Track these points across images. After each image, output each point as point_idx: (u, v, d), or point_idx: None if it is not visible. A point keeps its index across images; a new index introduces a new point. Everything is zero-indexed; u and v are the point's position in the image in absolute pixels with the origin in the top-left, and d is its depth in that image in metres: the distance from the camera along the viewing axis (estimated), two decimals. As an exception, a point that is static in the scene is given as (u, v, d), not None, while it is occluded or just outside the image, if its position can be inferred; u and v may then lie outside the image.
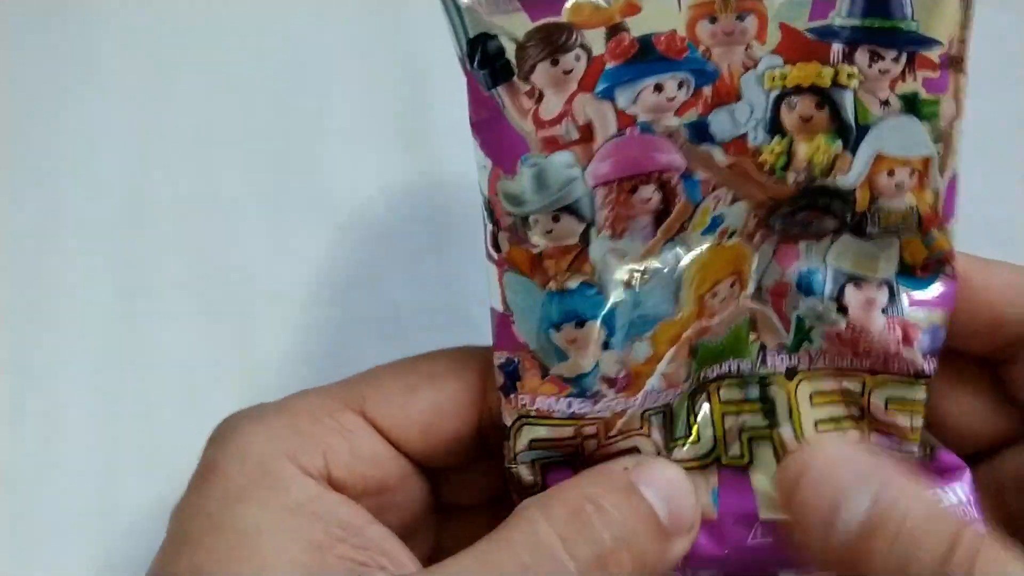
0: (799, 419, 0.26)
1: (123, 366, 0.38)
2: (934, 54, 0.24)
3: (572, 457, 0.26)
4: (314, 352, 0.38)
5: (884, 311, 0.25)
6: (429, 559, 0.25)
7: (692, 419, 0.26)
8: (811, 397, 0.26)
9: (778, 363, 0.26)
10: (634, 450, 0.26)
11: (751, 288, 0.25)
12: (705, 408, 0.26)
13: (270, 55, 0.40)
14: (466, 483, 0.29)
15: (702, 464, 0.26)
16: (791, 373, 0.26)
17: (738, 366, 0.26)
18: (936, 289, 0.26)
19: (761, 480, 0.26)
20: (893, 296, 0.26)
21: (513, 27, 0.24)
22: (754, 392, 0.26)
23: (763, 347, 0.26)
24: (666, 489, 0.24)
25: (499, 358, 0.26)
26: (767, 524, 0.26)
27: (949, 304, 0.26)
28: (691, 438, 0.26)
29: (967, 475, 0.27)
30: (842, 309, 0.25)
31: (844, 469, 0.23)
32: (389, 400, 0.26)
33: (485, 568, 0.22)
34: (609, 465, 0.25)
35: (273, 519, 0.24)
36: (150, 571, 0.25)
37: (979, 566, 0.21)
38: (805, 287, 0.25)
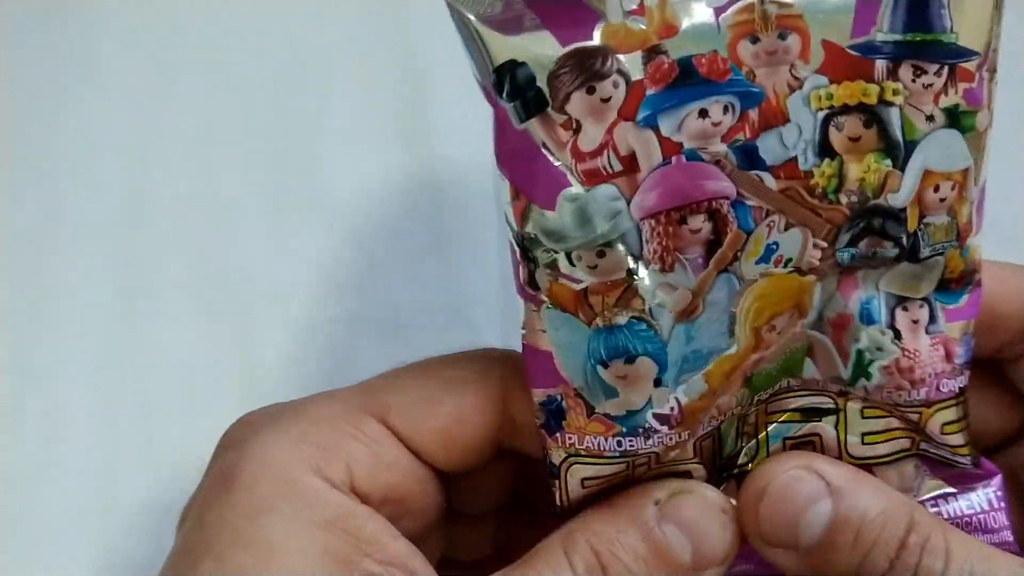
0: (844, 426, 0.26)
1: (123, 366, 0.37)
2: (971, 65, 0.23)
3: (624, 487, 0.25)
4: (314, 352, 0.38)
5: (927, 331, 0.25)
6: (439, 565, 0.26)
7: (741, 436, 0.26)
8: (862, 411, 0.26)
9: (831, 387, 0.26)
10: (686, 474, 0.25)
11: (811, 317, 0.25)
12: (752, 422, 0.26)
13: (270, 55, 0.40)
14: (479, 487, 0.29)
15: (743, 471, 0.26)
16: (843, 395, 0.26)
17: (789, 383, 0.26)
18: (967, 299, 0.25)
19: None
20: (933, 314, 0.25)
21: (542, 52, 0.22)
22: (799, 403, 0.26)
23: (819, 372, 0.25)
24: (695, 525, 0.24)
25: (539, 395, 0.25)
26: None
27: (976, 312, 0.26)
28: (736, 449, 0.26)
29: (998, 479, 0.27)
30: (897, 335, 0.25)
31: (801, 483, 0.24)
32: (411, 408, 0.26)
33: None
34: (640, 499, 0.25)
35: (300, 533, 0.24)
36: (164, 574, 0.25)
37: (927, 553, 0.23)
38: (866, 317, 0.25)
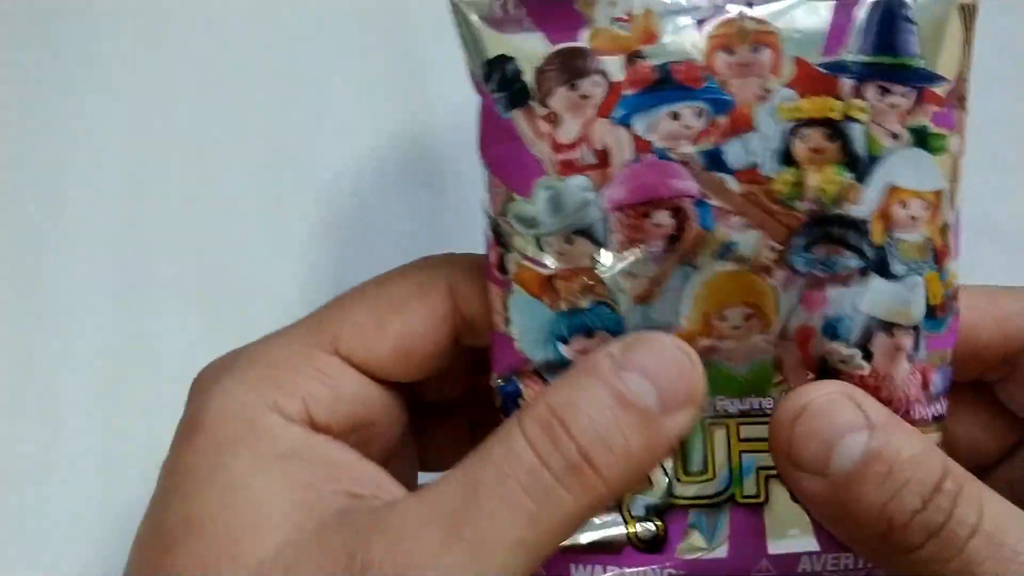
0: None
1: (123, 366, 0.38)
2: (941, 90, 0.24)
3: None
4: None
5: (909, 358, 0.25)
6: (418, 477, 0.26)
7: (711, 456, 0.26)
8: None
9: None
10: (645, 479, 0.26)
11: (776, 329, 0.25)
12: (723, 445, 0.26)
13: (270, 55, 0.40)
14: (442, 387, 0.30)
15: (715, 502, 0.26)
16: None
17: (760, 403, 0.26)
18: (947, 327, 0.26)
19: (775, 518, 0.26)
20: (917, 341, 0.25)
21: (532, 50, 0.24)
22: None
23: (787, 391, 0.26)
24: (655, 369, 0.23)
25: (496, 380, 0.26)
26: (775, 558, 0.26)
27: (954, 340, 0.26)
28: (707, 475, 0.26)
29: None
30: (867, 356, 0.25)
31: (842, 408, 0.24)
32: (362, 335, 0.27)
33: (470, 488, 0.22)
34: (594, 359, 0.24)
35: (263, 468, 0.24)
36: (141, 526, 0.25)
37: (962, 501, 0.22)
38: (831, 333, 0.25)
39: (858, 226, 0.25)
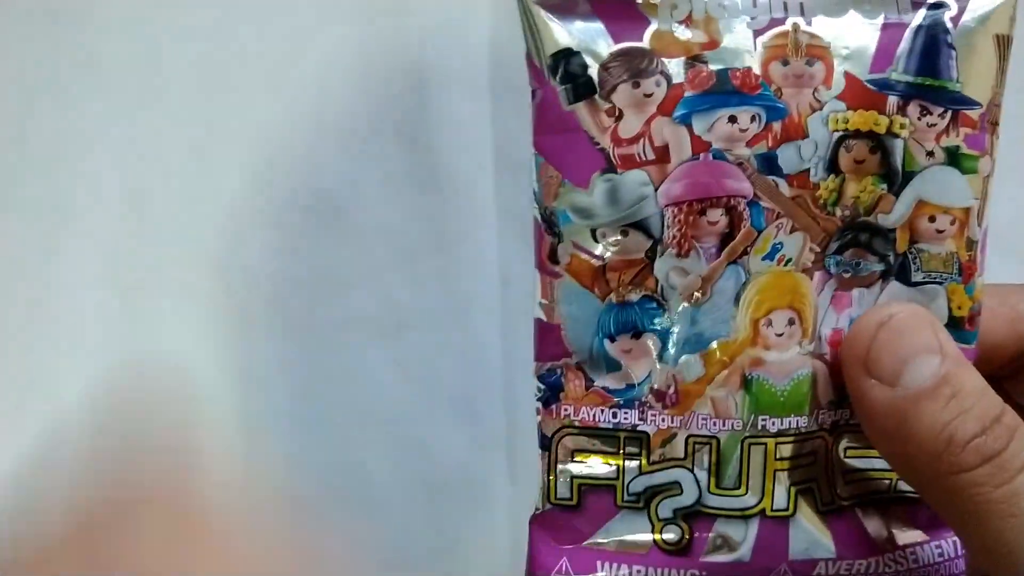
0: (836, 469, 0.27)
1: (123, 366, 0.37)
2: (974, 113, 0.26)
3: (612, 477, 0.26)
4: (314, 352, 0.39)
5: None
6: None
7: (745, 473, 0.27)
8: (846, 451, 0.27)
9: (826, 419, 0.27)
10: (675, 484, 0.27)
11: (812, 335, 0.26)
12: (759, 463, 0.27)
13: (270, 55, 0.40)
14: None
15: (744, 515, 0.27)
16: (835, 427, 0.27)
17: (797, 423, 0.27)
18: (975, 344, 0.27)
19: (800, 528, 0.27)
20: None
21: (598, 46, 0.25)
22: (807, 447, 0.27)
23: (818, 404, 0.27)
24: None
25: (540, 368, 0.26)
26: (793, 563, 0.27)
27: (976, 354, 0.27)
28: (739, 491, 0.27)
29: None
30: None
31: (922, 329, 0.25)
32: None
33: None
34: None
35: None
36: None
37: (1017, 437, 0.24)
38: None
39: (885, 234, 0.26)
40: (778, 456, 0.27)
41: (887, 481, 0.27)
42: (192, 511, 0.38)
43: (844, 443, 0.27)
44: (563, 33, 0.25)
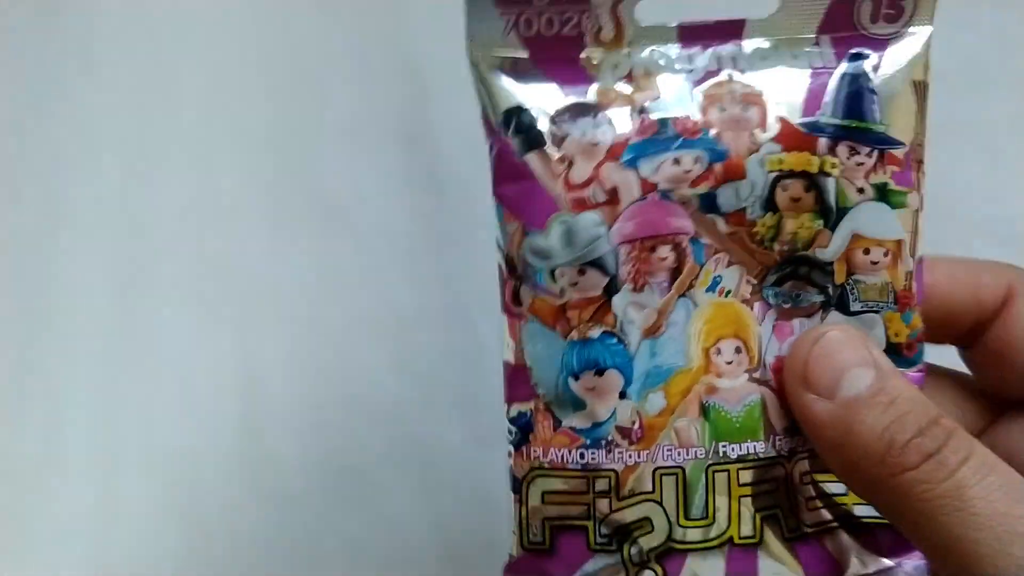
0: (798, 496, 0.28)
1: (123, 366, 0.38)
2: (899, 152, 0.28)
3: (583, 519, 0.27)
4: (314, 352, 0.39)
5: None
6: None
7: (711, 502, 0.27)
8: (802, 477, 0.28)
9: (783, 446, 0.28)
10: (646, 521, 0.27)
11: (758, 362, 0.28)
12: (724, 490, 0.27)
13: (270, 55, 0.40)
14: None
15: (713, 545, 0.27)
16: (793, 453, 0.28)
17: (755, 448, 0.27)
18: (919, 366, 0.28)
19: (768, 554, 0.27)
20: None
21: (546, 100, 0.27)
22: (768, 474, 0.28)
23: (773, 431, 0.28)
24: None
25: (511, 411, 0.27)
26: None
27: (922, 380, 0.29)
28: (707, 520, 0.27)
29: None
30: None
31: (855, 344, 0.26)
32: None
33: None
34: None
35: None
36: None
37: (955, 436, 0.25)
38: None
39: (823, 267, 0.28)
40: (740, 482, 0.27)
41: (845, 507, 0.28)
42: (192, 510, 0.38)
43: (802, 469, 0.28)
44: (513, 92, 0.27)
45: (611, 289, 0.27)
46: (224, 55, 0.41)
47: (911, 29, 0.28)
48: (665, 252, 0.27)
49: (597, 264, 0.26)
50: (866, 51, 0.28)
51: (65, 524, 0.36)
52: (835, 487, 0.28)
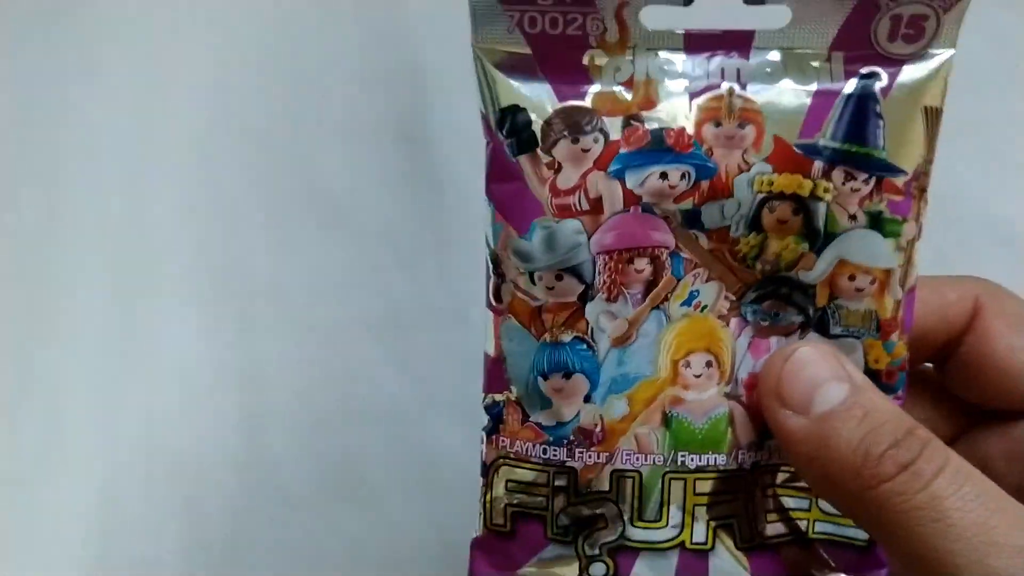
0: (758, 508, 0.29)
1: (123, 366, 0.38)
2: (900, 180, 0.27)
3: (542, 509, 0.28)
4: (314, 352, 0.39)
5: None
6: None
7: (665, 506, 0.28)
8: (763, 490, 0.29)
9: (747, 460, 0.28)
10: (601, 517, 0.28)
11: (729, 377, 0.28)
12: (679, 497, 0.28)
13: (270, 55, 0.40)
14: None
15: (666, 547, 0.28)
16: (756, 467, 0.28)
17: (716, 460, 0.28)
18: (898, 394, 0.28)
19: (719, 563, 0.28)
20: None
21: (541, 103, 0.27)
22: (727, 485, 0.28)
23: (738, 444, 0.28)
24: None
25: (487, 400, 0.28)
26: None
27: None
28: (660, 523, 0.28)
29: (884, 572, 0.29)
30: None
31: (827, 360, 0.26)
32: None
33: None
34: None
35: None
36: None
37: (930, 447, 0.25)
38: None
39: (805, 289, 0.28)
40: (697, 491, 0.28)
41: (805, 522, 0.29)
42: (192, 510, 0.39)
43: (765, 483, 0.29)
44: (513, 90, 0.27)
45: (585, 296, 0.27)
46: (224, 55, 0.40)
47: (931, 51, 0.27)
48: (642, 264, 0.27)
49: (574, 271, 0.27)
50: (878, 71, 0.27)
51: (65, 524, 0.37)
52: (795, 502, 0.29)
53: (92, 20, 0.40)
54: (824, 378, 0.26)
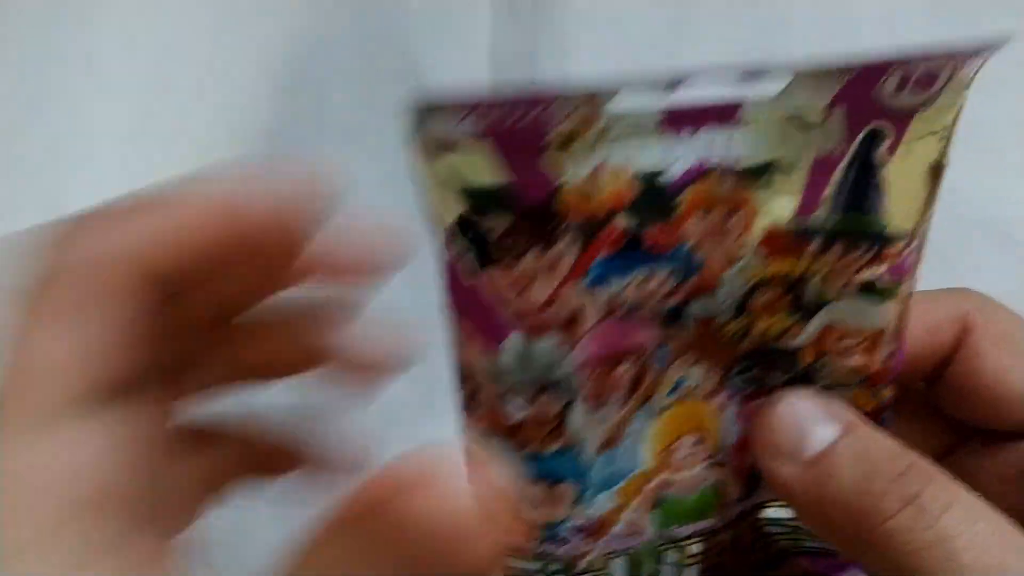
0: (739, 550, 0.29)
1: None
2: (901, 245, 0.25)
3: None
4: None
5: None
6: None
7: (660, 572, 0.28)
8: (745, 531, 0.29)
9: (731, 514, 0.28)
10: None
11: (719, 450, 0.27)
12: (673, 561, 0.28)
13: (270, 53, 0.40)
14: None
15: None
16: (741, 517, 0.28)
17: (705, 524, 0.28)
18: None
19: None
20: None
21: (502, 209, 0.23)
22: (715, 540, 0.28)
23: (724, 504, 0.28)
24: None
25: None
26: None
27: None
28: None
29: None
30: None
31: (815, 404, 0.26)
32: None
33: None
34: None
35: None
36: None
37: (934, 480, 0.24)
38: None
39: (792, 354, 0.26)
40: (690, 553, 0.28)
41: (790, 541, 0.29)
42: None
43: (746, 525, 0.29)
44: (465, 194, 0.23)
45: (568, 409, 0.25)
46: (223, 54, 0.39)
47: (939, 101, 0.23)
48: (626, 367, 0.25)
49: (555, 387, 0.25)
50: (884, 128, 0.23)
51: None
52: (774, 527, 0.29)
53: (92, 20, 0.39)
54: (812, 420, 0.25)
